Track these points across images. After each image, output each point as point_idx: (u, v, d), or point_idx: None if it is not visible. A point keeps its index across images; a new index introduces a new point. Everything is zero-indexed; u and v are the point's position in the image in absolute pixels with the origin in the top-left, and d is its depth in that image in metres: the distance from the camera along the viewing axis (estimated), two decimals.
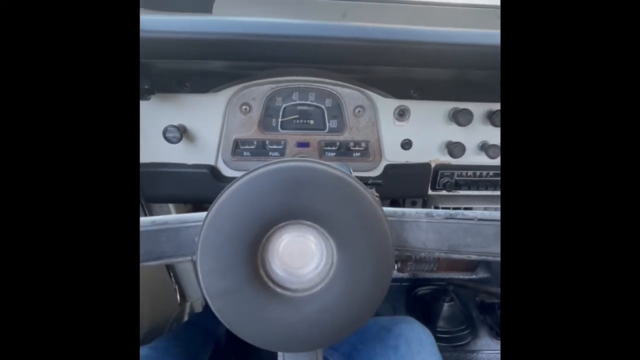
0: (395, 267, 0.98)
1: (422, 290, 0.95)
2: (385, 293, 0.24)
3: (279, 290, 0.24)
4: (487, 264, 0.97)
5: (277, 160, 0.22)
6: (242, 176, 0.22)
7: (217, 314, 0.23)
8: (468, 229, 0.25)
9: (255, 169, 0.22)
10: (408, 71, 0.52)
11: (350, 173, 0.45)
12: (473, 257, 0.25)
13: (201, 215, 0.24)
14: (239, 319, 0.23)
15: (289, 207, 0.22)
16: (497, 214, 0.25)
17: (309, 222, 0.23)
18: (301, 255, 0.24)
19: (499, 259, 0.25)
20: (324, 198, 0.22)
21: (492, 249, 0.25)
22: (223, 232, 0.22)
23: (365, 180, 0.58)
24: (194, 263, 0.23)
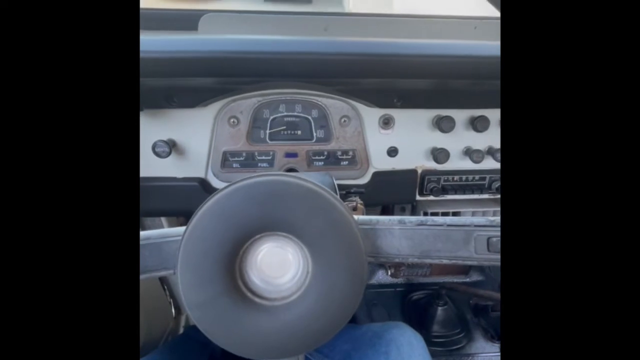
0: (389, 273, 0.98)
1: (417, 295, 0.95)
2: (360, 299, 0.25)
3: (257, 299, 0.25)
4: (480, 267, 0.98)
5: (252, 175, 0.23)
6: (218, 192, 0.23)
7: (196, 324, 0.24)
8: (438, 235, 0.26)
9: (230, 184, 0.23)
10: (391, 82, 0.54)
11: (333, 182, 0.46)
12: (444, 261, 0.26)
13: (182, 230, 0.25)
14: (218, 328, 0.24)
15: (263, 219, 0.23)
16: (464, 219, 0.26)
17: (284, 234, 0.24)
18: (279, 265, 0.25)
19: (468, 262, 0.26)
20: (296, 210, 0.23)
21: (461, 253, 0.26)
22: (201, 246, 0.23)
23: (349, 189, 0.59)
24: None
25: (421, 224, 0.26)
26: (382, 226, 0.26)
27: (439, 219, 0.26)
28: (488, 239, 0.25)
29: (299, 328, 0.25)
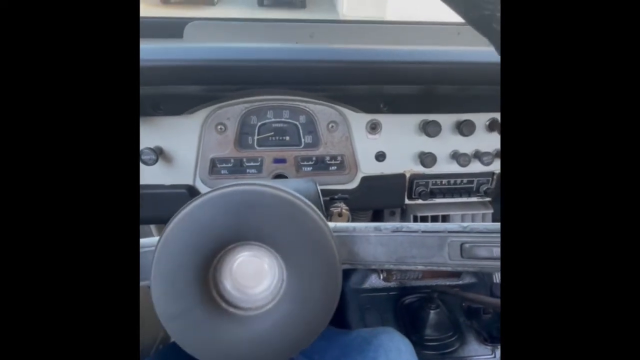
0: (381, 277, 0.98)
1: (409, 298, 0.95)
2: (334, 307, 0.25)
3: (231, 309, 0.25)
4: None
5: (225, 185, 0.24)
6: (191, 202, 0.23)
7: (171, 335, 0.24)
8: (413, 241, 0.26)
9: (203, 194, 0.23)
10: (377, 88, 0.55)
11: (316, 188, 0.46)
12: (419, 267, 0.27)
13: (156, 240, 0.25)
14: (193, 340, 0.24)
15: (237, 229, 0.24)
16: (439, 226, 0.26)
17: (257, 243, 0.24)
18: (254, 275, 0.25)
19: (443, 268, 0.26)
20: (269, 219, 0.23)
21: (436, 259, 0.26)
22: (174, 257, 0.23)
23: (334, 194, 0.60)
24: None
25: (396, 230, 0.26)
26: (359, 233, 0.27)
27: (414, 226, 0.27)
28: (461, 244, 0.26)
29: (274, 337, 0.25)
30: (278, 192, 0.23)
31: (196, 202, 0.23)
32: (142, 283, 0.26)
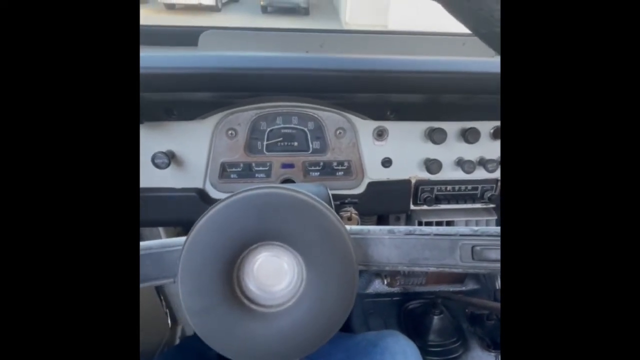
0: (385, 282, 0.99)
1: (413, 304, 0.95)
2: (351, 305, 0.26)
3: (253, 306, 0.26)
4: (475, 275, 0.99)
5: (249, 188, 0.25)
6: (217, 203, 0.25)
7: (195, 330, 0.25)
8: (426, 244, 0.27)
9: (229, 197, 0.25)
10: (384, 96, 0.56)
11: (328, 193, 0.47)
12: (432, 269, 0.28)
13: (182, 240, 0.27)
14: (216, 334, 0.25)
15: (260, 230, 0.25)
16: (450, 229, 0.28)
17: (279, 243, 0.26)
18: (275, 274, 0.26)
19: (454, 270, 0.27)
20: (291, 221, 0.25)
21: (447, 261, 0.27)
22: (201, 255, 0.24)
23: (344, 199, 0.61)
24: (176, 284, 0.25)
25: (409, 233, 0.27)
26: (373, 235, 0.28)
27: (427, 229, 0.28)
28: (472, 247, 0.27)
29: (293, 334, 0.26)
30: (299, 195, 0.25)
31: (222, 204, 0.24)
32: (165, 280, 0.27)
